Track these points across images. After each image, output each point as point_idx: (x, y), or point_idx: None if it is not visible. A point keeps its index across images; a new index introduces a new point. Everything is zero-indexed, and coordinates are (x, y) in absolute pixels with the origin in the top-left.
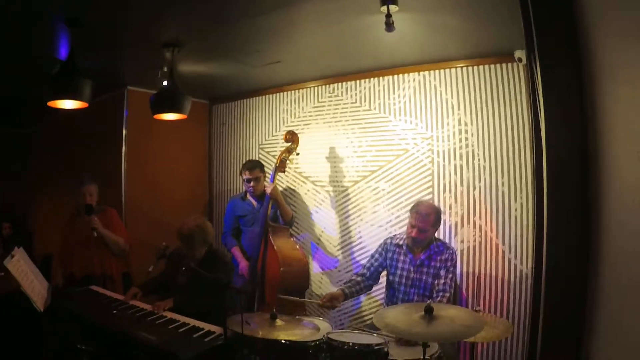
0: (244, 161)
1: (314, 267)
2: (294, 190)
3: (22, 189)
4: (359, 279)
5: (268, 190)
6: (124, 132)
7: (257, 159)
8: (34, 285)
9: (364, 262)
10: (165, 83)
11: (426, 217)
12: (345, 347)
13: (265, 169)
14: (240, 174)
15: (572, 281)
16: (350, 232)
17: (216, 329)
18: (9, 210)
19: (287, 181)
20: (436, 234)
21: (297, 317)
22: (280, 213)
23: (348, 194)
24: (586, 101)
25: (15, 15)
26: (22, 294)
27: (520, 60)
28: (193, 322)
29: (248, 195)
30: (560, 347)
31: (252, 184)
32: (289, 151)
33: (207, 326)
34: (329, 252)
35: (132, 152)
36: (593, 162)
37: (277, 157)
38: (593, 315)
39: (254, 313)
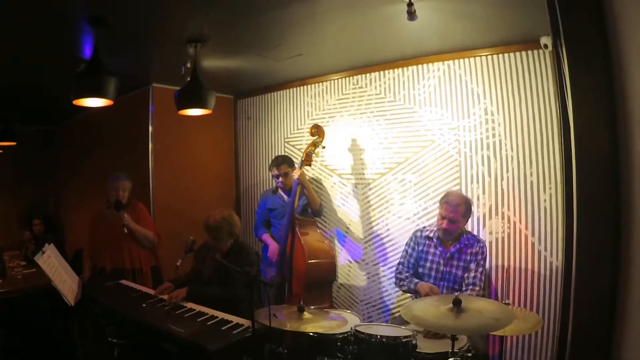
0: (270, 155)
1: (341, 259)
2: (320, 184)
3: (52, 185)
4: (407, 274)
5: (295, 175)
6: (150, 128)
7: (283, 152)
8: (65, 280)
9: (391, 254)
10: (188, 79)
11: (456, 207)
12: (373, 339)
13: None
14: (269, 170)
15: (604, 274)
16: (377, 224)
17: (244, 322)
18: (40, 207)
19: (313, 174)
20: (464, 226)
21: (324, 309)
22: (308, 201)
23: (375, 187)
24: (616, 86)
25: (42, 15)
26: (53, 289)
27: (546, 46)
28: (221, 315)
29: (279, 190)
30: (591, 341)
31: (281, 179)
32: (314, 145)
33: (235, 319)
34: (356, 244)
35: (158, 148)
36: (624, 151)
37: (303, 150)
38: (625, 309)
39: (281, 306)
